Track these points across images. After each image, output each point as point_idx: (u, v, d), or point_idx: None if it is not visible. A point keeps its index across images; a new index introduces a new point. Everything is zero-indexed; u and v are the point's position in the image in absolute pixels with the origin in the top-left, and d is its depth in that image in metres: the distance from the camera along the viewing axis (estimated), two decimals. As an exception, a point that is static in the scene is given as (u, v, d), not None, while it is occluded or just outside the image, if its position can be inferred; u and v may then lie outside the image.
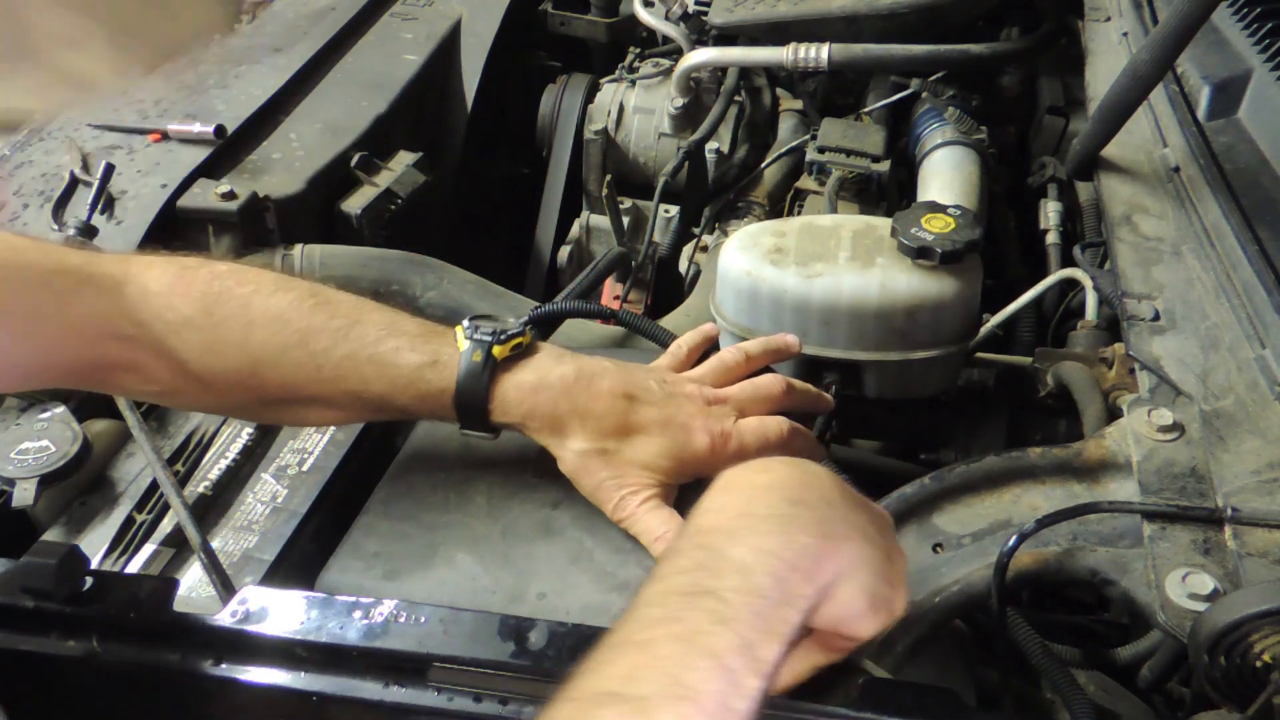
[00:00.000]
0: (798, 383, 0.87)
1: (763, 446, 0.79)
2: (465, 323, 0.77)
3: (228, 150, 1.39)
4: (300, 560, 0.95)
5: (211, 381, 0.78)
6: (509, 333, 0.76)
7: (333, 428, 1.02)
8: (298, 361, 0.75)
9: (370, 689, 0.64)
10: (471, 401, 0.75)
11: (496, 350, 0.75)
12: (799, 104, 1.82)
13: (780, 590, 0.53)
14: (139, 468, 1.01)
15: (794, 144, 1.67)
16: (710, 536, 0.57)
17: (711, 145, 1.68)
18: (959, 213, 1.03)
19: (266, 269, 0.81)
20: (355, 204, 1.40)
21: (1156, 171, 1.11)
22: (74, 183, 1.25)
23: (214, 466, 1.01)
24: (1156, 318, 0.92)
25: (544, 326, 1.18)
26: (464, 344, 0.76)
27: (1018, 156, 1.72)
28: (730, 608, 0.51)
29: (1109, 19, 1.41)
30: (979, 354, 1.19)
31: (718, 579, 0.53)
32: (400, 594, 0.71)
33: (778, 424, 0.81)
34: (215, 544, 0.94)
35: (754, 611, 0.51)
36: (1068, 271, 1.21)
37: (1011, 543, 0.73)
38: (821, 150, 1.49)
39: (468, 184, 1.78)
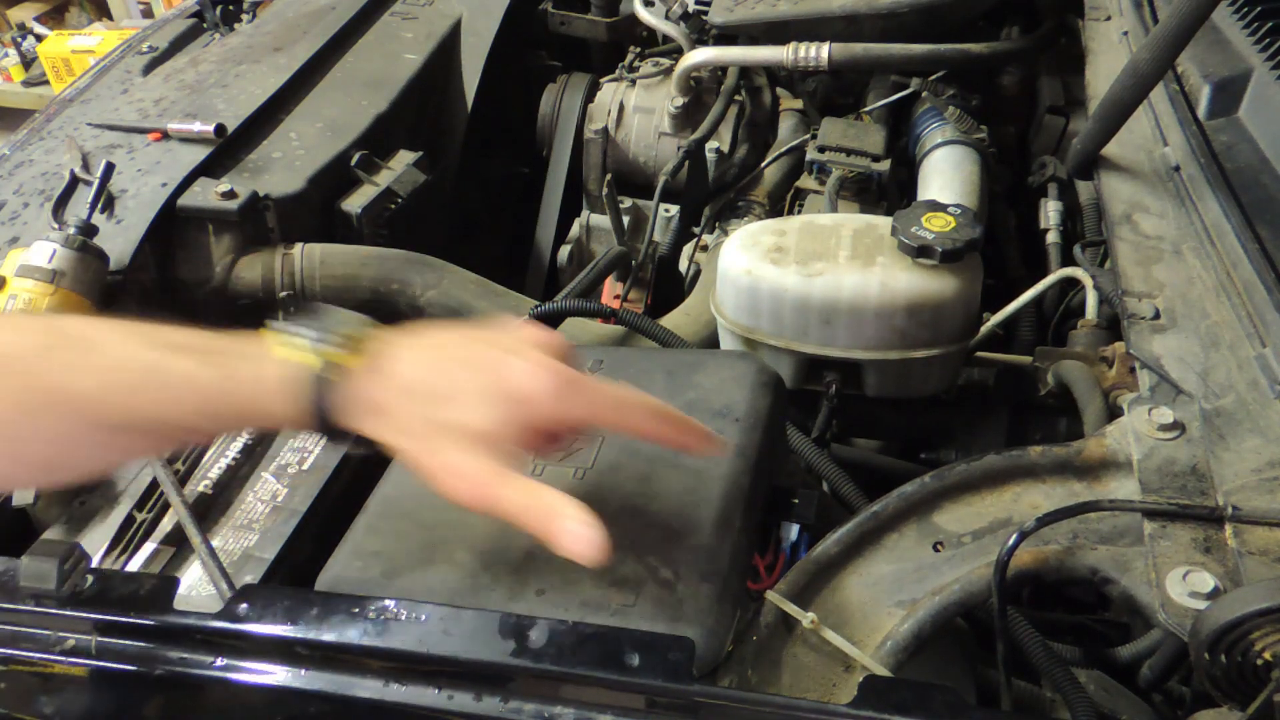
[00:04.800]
0: (675, 412, 0.70)
1: (617, 403, 0.67)
2: (302, 330, 0.66)
3: (228, 149, 1.39)
4: (300, 559, 0.96)
5: None
6: (351, 336, 0.66)
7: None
8: (58, 411, 0.63)
9: (370, 688, 0.64)
10: (326, 417, 0.65)
11: (343, 358, 0.65)
12: (799, 103, 1.82)
13: None
14: (139, 466, 1.01)
15: (794, 143, 1.67)
16: None
17: (711, 144, 1.68)
18: (959, 212, 1.04)
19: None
20: (355, 203, 1.40)
21: (1157, 170, 1.11)
22: (74, 182, 1.25)
23: (214, 465, 1.01)
24: (1157, 316, 0.92)
25: (544, 325, 1.18)
26: (303, 357, 0.65)
27: (1018, 156, 1.72)
28: None
29: (1109, 18, 1.41)
30: (979, 353, 1.19)
31: None
32: (400, 592, 0.71)
33: (640, 394, 0.69)
34: (215, 542, 0.94)
35: None
36: (1068, 270, 1.21)
37: (1012, 541, 0.72)
38: (822, 149, 1.49)
39: (468, 184, 1.78)
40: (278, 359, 0.66)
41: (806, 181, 1.53)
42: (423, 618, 0.65)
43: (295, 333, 0.66)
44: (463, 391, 0.64)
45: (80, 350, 0.64)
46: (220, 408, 0.65)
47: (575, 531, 0.61)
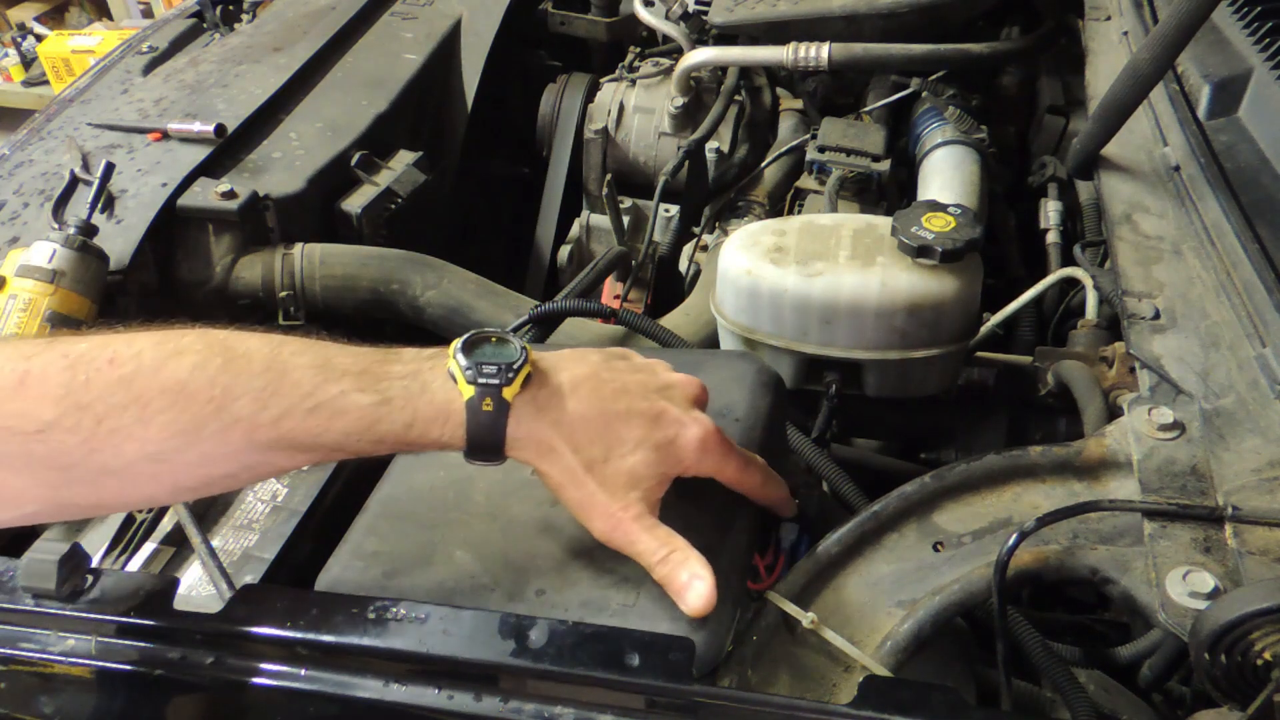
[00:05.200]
0: (775, 474, 0.79)
1: (742, 464, 0.75)
2: (460, 358, 0.67)
3: (228, 149, 1.39)
4: (300, 559, 0.96)
5: (101, 485, 0.64)
6: (514, 367, 0.67)
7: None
8: (219, 435, 0.63)
9: (370, 688, 0.64)
10: (486, 448, 0.68)
11: (507, 393, 0.67)
12: (799, 103, 1.82)
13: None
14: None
15: (794, 143, 1.67)
16: None
17: (711, 144, 1.68)
18: (959, 212, 1.04)
19: (160, 328, 0.68)
20: (355, 203, 1.40)
21: (1157, 170, 1.11)
22: (74, 182, 1.25)
23: (214, 465, 1.01)
24: (1157, 316, 0.92)
25: (544, 325, 1.18)
26: (467, 389, 0.66)
27: (1018, 156, 1.72)
28: None
29: (1109, 18, 1.41)
30: (979, 353, 1.19)
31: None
32: (400, 592, 0.71)
33: (754, 457, 0.77)
34: (215, 542, 0.94)
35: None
36: (1068, 270, 1.21)
37: (1012, 541, 0.72)
38: (822, 149, 1.49)
39: (468, 184, 1.78)
40: (436, 385, 0.67)
41: (806, 181, 1.53)
42: (423, 618, 0.65)
43: (455, 357, 0.68)
44: (623, 440, 0.69)
45: (241, 372, 0.64)
46: (376, 432, 0.66)
47: (698, 590, 0.66)
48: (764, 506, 0.79)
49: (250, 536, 0.95)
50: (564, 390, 0.69)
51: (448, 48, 1.73)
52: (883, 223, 1.06)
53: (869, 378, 1.08)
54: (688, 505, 0.75)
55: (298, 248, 1.32)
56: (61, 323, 1.10)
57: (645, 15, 1.78)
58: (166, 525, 0.96)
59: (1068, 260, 1.33)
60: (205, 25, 1.75)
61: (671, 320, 1.33)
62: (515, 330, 1.15)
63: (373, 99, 1.54)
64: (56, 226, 1.17)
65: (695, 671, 0.61)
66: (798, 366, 1.08)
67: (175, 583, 0.70)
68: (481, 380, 0.66)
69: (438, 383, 0.67)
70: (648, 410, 0.70)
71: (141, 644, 0.67)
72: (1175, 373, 0.86)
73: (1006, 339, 1.34)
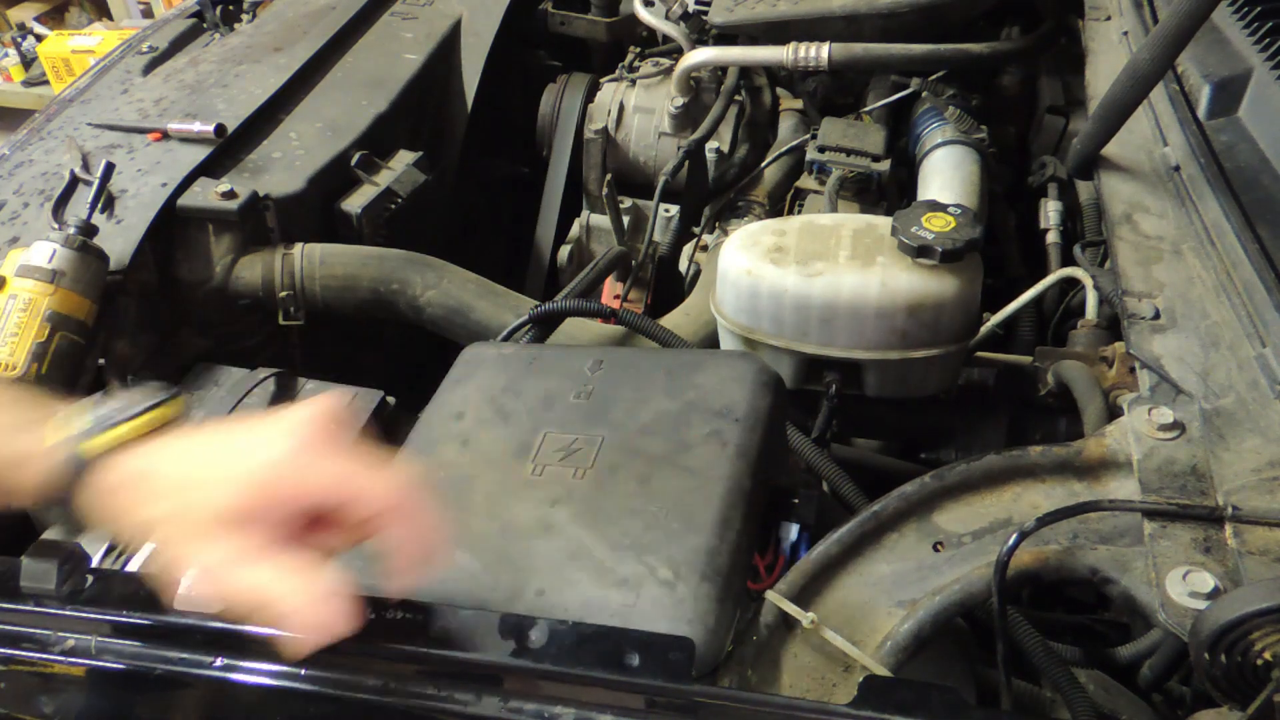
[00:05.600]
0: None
1: (346, 473, 0.63)
2: (85, 410, 0.64)
3: (228, 149, 1.39)
4: (300, 559, 0.95)
5: None
6: (109, 424, 0.63)
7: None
8: None
9: (370, 688, 0.64)
10: (62, 500, 0.64)
11: (92, 445, 0.63)
12: (799, 103, 1.82)
13: None
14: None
15: (794, 143, 1.67)
16: None
17: (711, 144, 1.68)
18: (959, 212, 1.04)
19: None
20: (355, 203, 1.40)
21: (1157, 170, 1.11)
22: (74, 182, 1.25)
23: (214, 465, 1.01)
24: (1157, 316, 0.92)
25: (544, 325, 1.18)
26: (55, 436, 0.63)
27: (1018, 156, 1.72)
28: None
29: (1109, 18, 1.41)
30: (979, 353, 1.19)
31: None
32: (400, 593, 0.71)
33: (385, 478, 0.64)
34: (215, 543, 0.94)
35: None
36: (1068, 270, 1.21)
37: (1012, 541, 0.73)
38: (822, 149, 1.49)
39: (468, 184, 1.78)
40: (47, 438, 0.64)
41: (806, 181, 1.53)
42: (423, 618, 0.65)
43: (78, 414, 0.64)
44: (204, 479, 0.62)
45: None
46: None
47: (298, 622, 0.59)
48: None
49: (250, 536, 0.95)
50: (154, 445, 0.64)
51: (448, 48, 1.73)
52: (883, 223, 1.06)
53: (869, 378, 1.08)
54: (685, 505, 0.75)
55: (298, 247, 1.32)
56: (61, 323, 1.10)
57: (645, 15, 1.78)
58: (166, 525, 0.96)
59: (1068, 260, 1.33)
60: (205, 25, 1.75)
61: (671, 320, 1.33)
62: (515, 330, 1.15)
63: (373, 99, 1.54)
64: (56, 226, 1.17)
65: (695, 671, 0.61)
66: (798, 366, 1.09)
67: (175, 583, 0.70)
68: (76, 432, 0.63)
69: (48, 435, 0.64)
70: (231, 446, 0.63)
71: (141, 644, 0.67)
72: (1175, 373, 0.86)
73: (1006, 339, 1.34)
